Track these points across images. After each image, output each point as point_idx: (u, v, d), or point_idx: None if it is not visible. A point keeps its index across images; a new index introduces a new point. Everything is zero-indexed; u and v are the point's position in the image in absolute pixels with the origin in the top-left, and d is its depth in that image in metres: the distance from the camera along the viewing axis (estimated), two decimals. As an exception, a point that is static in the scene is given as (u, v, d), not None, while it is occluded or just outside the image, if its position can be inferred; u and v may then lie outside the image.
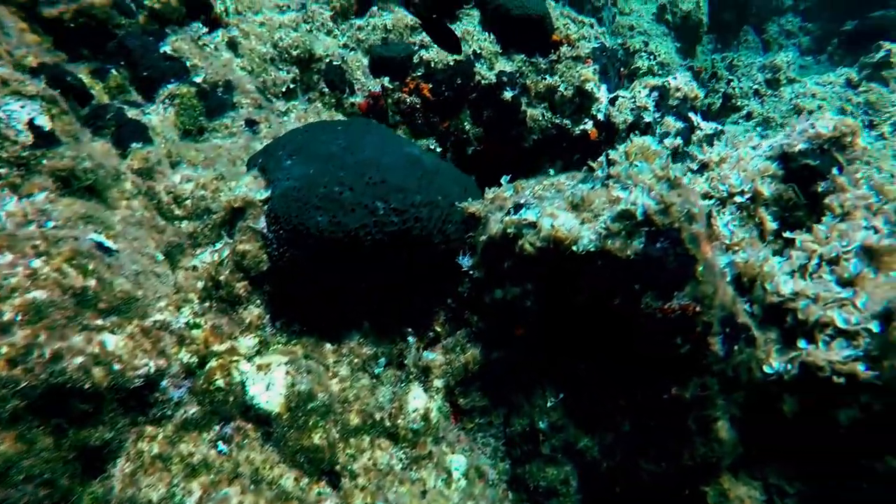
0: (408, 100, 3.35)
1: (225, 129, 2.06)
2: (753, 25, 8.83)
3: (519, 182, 1.80)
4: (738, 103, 5.30)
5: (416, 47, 3.48)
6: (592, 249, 1.34)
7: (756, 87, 5.51)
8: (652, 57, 5.65)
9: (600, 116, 3.47)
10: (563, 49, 3.85)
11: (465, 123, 3.66)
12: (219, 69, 2.25)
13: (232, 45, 2.50)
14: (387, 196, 1.56)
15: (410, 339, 1.67)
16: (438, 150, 3.53)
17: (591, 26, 4.05)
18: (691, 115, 3.10)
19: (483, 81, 3.62)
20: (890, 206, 1.61)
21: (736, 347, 1.40)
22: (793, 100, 4.92)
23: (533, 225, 1.43)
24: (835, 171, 1.70)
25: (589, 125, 3.49)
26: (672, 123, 3.05)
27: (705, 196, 1.79)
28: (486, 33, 3.76)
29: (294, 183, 1.60)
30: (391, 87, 3.30)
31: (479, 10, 3.87)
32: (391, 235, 1.56)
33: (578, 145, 3.60)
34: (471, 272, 1.63)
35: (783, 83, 5.45)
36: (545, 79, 3.74)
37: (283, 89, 2.66)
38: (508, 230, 1.47)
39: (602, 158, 1.57)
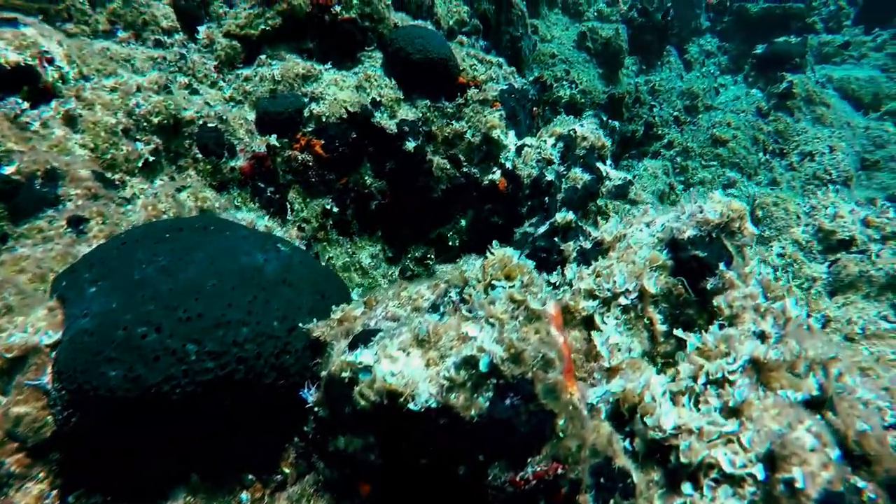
0: (299, 157, 3.08)
1: (38, 233, 1.72)
2: (676, 46, 9.06)
3: (373, 296, 1.56)
4: (660, 132, 5.30)
5: (307, 99, 3.22)
6: (433, 406, 1.11)
7: (676, 113, 5.55)
8: (573, 85, 5.60)
9: (508, 165, 3.30)
10: (471, 92, 3.68)
11: (367, 177, 3.42)
12: (41, 154, 1.91)
13: (69, 120, 2.16)
14: (201, 336, 1.29)
15: (243, 495, 1.39)
16: (335, 209, 3.28)
17: (500, 66, 3.91)
18: (599, 164, 2.97)
19: (384, 130, 3.40)
20: (777, 304, 1.47)
21: (612, 501, 1.20)
22: (710, 129, 4.95)
23: (368, 370, 1.19)
24: (722, 265, 1.55)
25: (497, 175, 3.32)
26: (579, 176, 2.90)
27: (590, 295, 1.61)
28: (388, 78, 3.55)
29: (88, 324, 1.30)
30: (279, 145, 3.02)
31: (382, 52, 3.66)
32: (206, 385, 1.28)
33: (489, 195, 3.43)
34: (315, 409, 1.37)
35: (701, 110, 5.51)
36: (451, 125, 3.56)
37: (140, 164, 2.33)
38: (343, 374, 1.23)
39: (461, 269, 1.35)
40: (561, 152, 2.99)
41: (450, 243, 3.68)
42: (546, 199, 2.88)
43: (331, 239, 3.40)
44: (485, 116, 3.50)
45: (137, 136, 2.41)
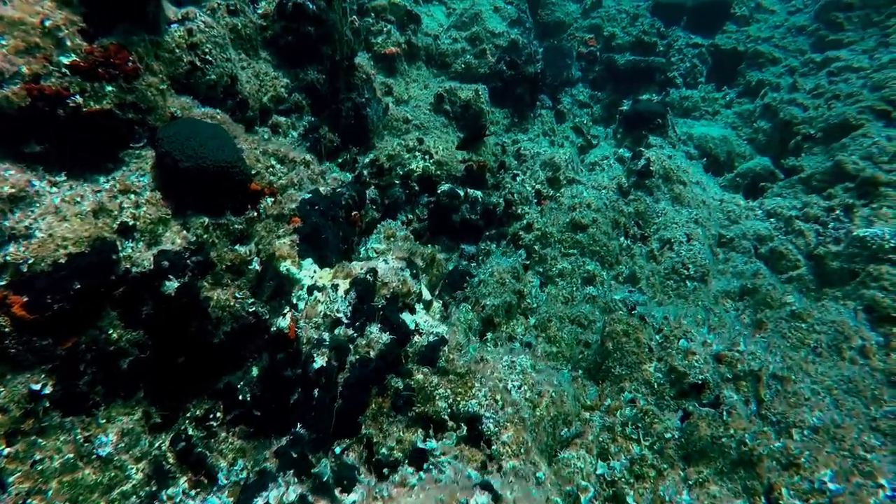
0: (-25, 329, 2.10)
1: None
2: (549, 96, 8.92)
3: None
4: (519, 210, 4.83)
5: (6, 237, 2.26)
6: None
7: (539, 186, 5.14)
8: (427, 156, 5.00)
9: (302, 305, 2.54)
10: (265, 203, 2.89)
11: (112, 331, 2.49)
12: None
13: None
14: None
15: None
16: (49, 386, 2.32)
17: (307, 165, 3.16)
18: (406, 316, 2.28)
19: (133, 270, 2.51)
20: None
21: None
22: (571, 211, 4.54)
23: None
24: None
25: (287, 320, 2.53)
26: (376, 336, 2.19)
27: None
28: (154, 190, 2.67)
29: None
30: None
31: (154, 150, 2.76)
32: None
33: (280, 343, 2.63)
34: None
35: (563, 183, 5.14)
36: (236, 249, 2.74)
37: None
38: None
39: None
40: (352, 305, 2.27)
41: (240, 396, 2.82)
42: (316, 394, 2.13)
43: (47, 426, 2.40)
44: (276, 240, 2.72)
45: None
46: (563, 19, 10.13)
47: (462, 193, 4.94)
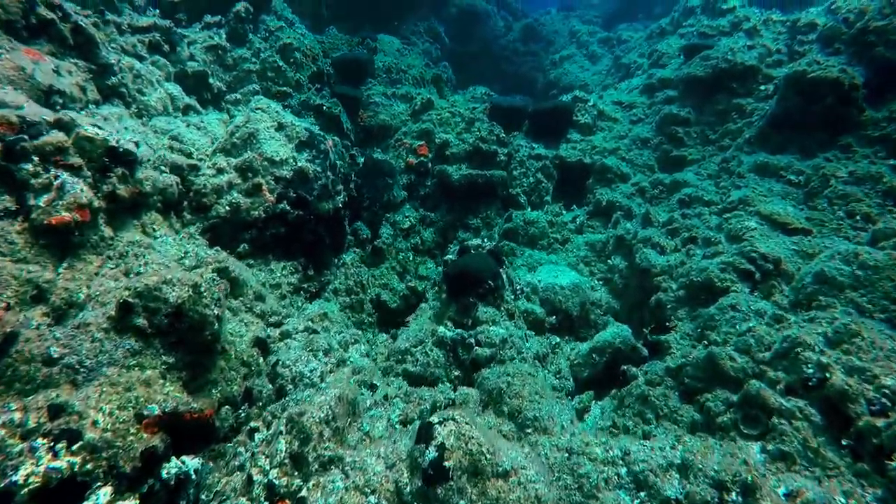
0: None
1: None
2: (368, 223, 7.06)
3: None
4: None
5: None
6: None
7: (273, 478, 3.01)
8: (67, 443, 2.65)
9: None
10: None
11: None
12: None
13: None
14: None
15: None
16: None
17: None
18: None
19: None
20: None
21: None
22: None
23: None
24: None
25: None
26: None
27: None
28: None
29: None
30: None
31: None
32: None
33: None
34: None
35: (313, 469, 3.05)
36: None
37: None
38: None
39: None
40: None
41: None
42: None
43: None
44: None
45: None
46: (389, 122, 8.51)
47: None
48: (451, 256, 5.64)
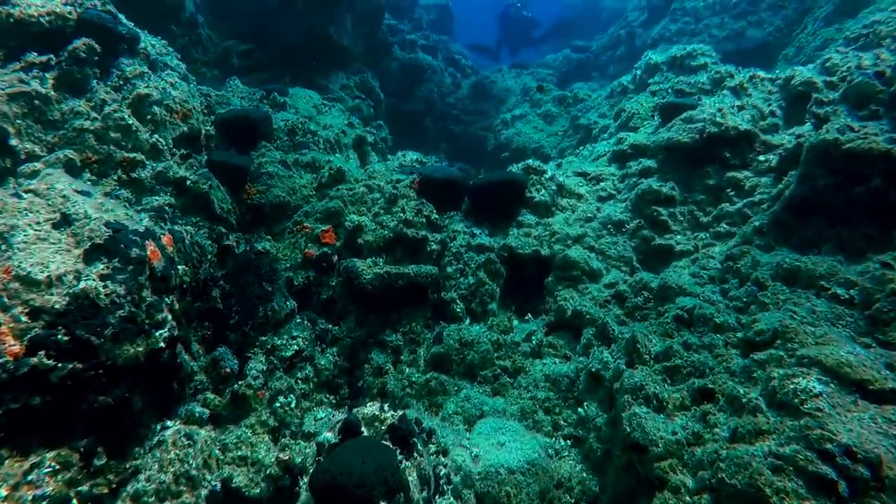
0: None
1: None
2: (236, 351, 4.80)
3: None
4: None
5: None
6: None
7: None
8: None
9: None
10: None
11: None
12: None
13: None
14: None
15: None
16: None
17: None
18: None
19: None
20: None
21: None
22: None
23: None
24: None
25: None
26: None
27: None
28: None
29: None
30: None
31: None
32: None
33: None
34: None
35: None
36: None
37: None
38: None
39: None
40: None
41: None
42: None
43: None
44: None
45: None
46: (286, 198, 6.42)
47: None
48: (328, 437, 3.42)
